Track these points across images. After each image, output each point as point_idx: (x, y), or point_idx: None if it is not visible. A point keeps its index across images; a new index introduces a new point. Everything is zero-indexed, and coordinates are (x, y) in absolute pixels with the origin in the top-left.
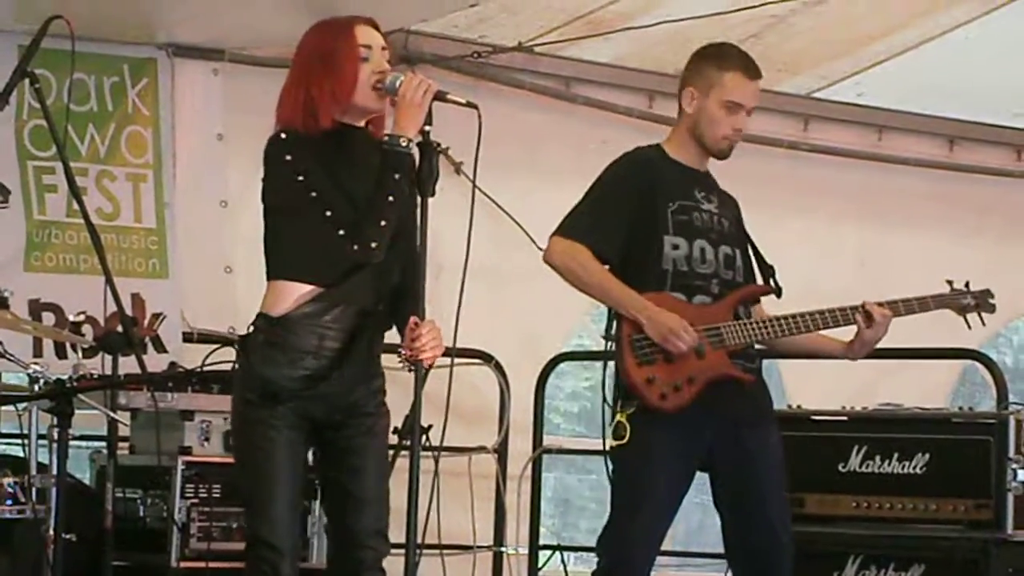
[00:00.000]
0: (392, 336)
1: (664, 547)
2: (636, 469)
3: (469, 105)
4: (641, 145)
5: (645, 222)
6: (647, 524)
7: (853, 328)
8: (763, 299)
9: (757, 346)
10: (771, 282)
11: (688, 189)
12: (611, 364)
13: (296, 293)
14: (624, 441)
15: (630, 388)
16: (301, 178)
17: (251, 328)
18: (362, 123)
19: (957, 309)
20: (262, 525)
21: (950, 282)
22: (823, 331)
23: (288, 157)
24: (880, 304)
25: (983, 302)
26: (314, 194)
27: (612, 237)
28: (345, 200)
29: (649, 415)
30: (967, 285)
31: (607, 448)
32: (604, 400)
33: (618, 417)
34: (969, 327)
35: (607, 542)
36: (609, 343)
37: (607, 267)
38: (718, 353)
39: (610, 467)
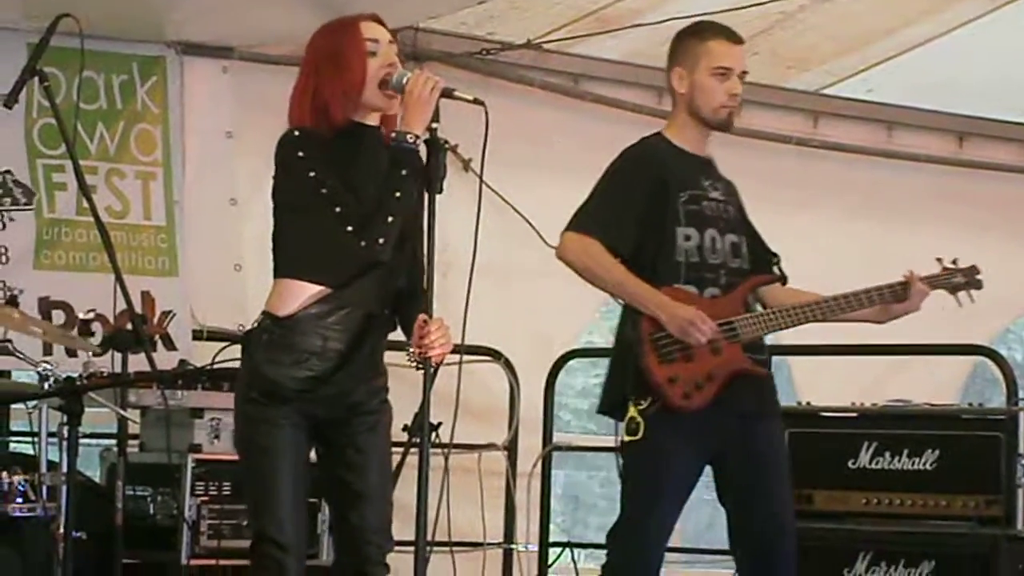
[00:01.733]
0: (399, 334)
1: (673, 543)
2: (650, 466)
3: (476, 102)
4: (645, 135)
5: (657, 214)
6: (661, 520)
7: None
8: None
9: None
10: (776, 270)
11: (696, 177)
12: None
13: (304, 293)
14: (638, 437)
15: (652, 387)
16: (313, 174)
17: (255, 326)
18: (375, 121)
19: (949, 288)
20: (268, 523)
21: (939, 260)
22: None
23: (300, 154)
24: (878, 288)
25: (972, 279)
26: (324, 191)
27: (625, 230)
28: (355, 198)
29: (665, 412)
30: (955, 262)
31: (619, 443)
32: (604, 394)
33: (631, 413)
34: (959, 304)
35: (620, 538)
36: (621, 339)
37: (620, 261)
38: (733, 348)
39: (621, 463)
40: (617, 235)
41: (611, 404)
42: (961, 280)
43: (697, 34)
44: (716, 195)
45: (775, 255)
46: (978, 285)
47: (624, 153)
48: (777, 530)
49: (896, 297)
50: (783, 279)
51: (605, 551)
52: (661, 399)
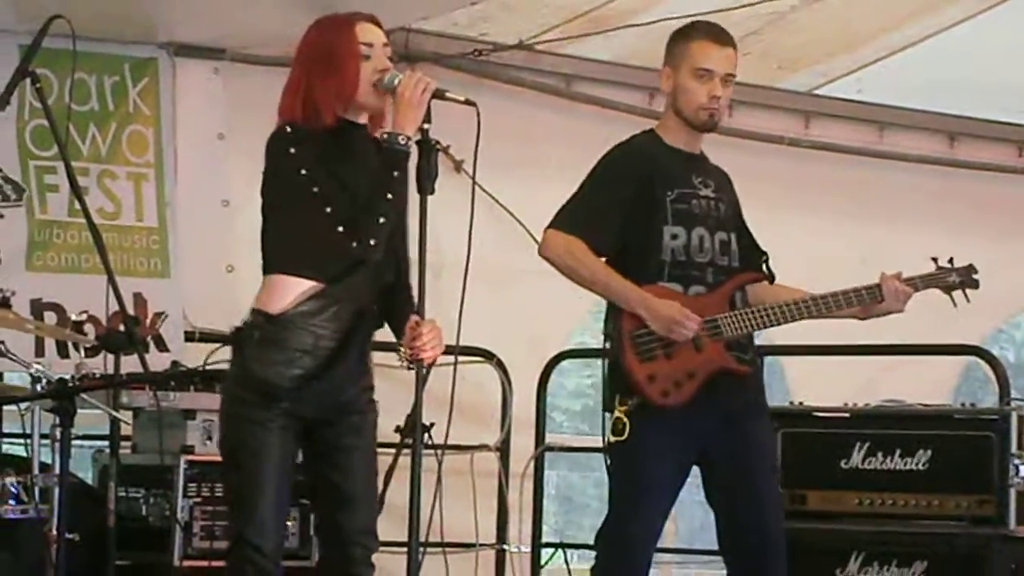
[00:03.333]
0: (389, 335)
1: (667, 544)
2: (637, 465)
3: (468, 103)
4: (636, 133)
5: (643, 212)
6: (648, 520)
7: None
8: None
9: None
10: (764, 268)
11: (686, 175)
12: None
13: (295, 290)
14: (623, 437)
15: (632, 385)
16: (304, 172)
17: (245, 323)
18: (364, 120)
19: (944, 288)
20: (248, 525)
21: (935, 259)
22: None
23: (292, 151)
24: (876, 286)
25: (967, 278)
26: (315, 190)
27: (608, 229)
28: (346, 197)
29: (649, 411)
30: (951, 261)
31: (605, 444)
32: (604, 396)
33: (616, 413)
34: (955, 305)
35: (608, 539)
36: (607, 338)
37: (603, 260)
38: (716, 345)
39: (608, 462)
40: (601, 234)
41: (606, 403)
42: (955, 279)
43: (685, 35)
44: (706, 192)
45: (764, 253)
46: (974, 284)
47: (611, 151)
48: (765, 530)
49: (874, 298)
50: (771, 277)
51: (594, 552)
52: (641, 398)
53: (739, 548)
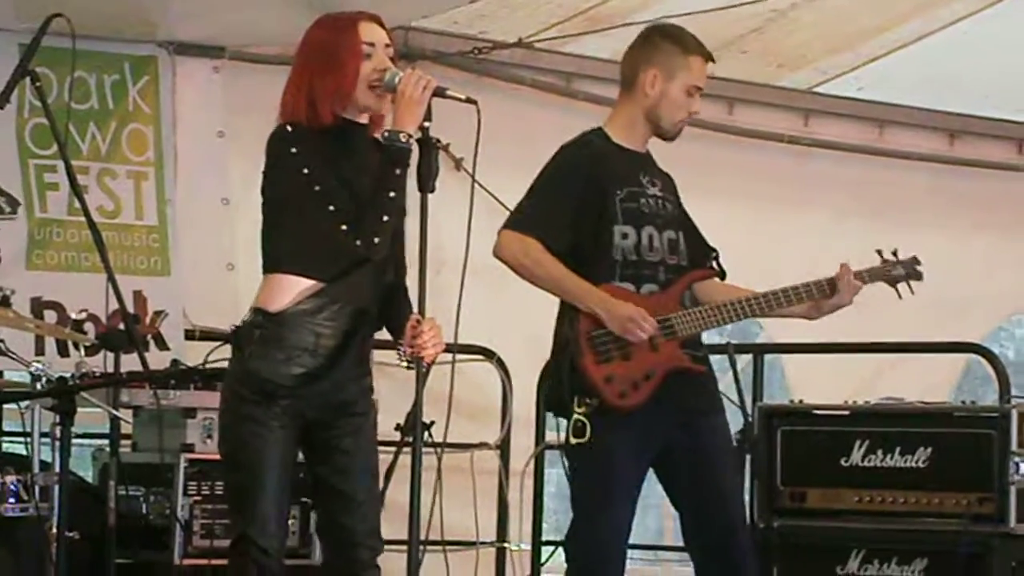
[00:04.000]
0: (387, 333)
1: (667, 542)
2: (600, 466)
3: (468, 101)
4: (585, 131)
5: (593, 212)
6: (613, 519)
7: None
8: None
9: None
10: (715, 264)
11: (634, 174)
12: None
13: (295, 288)
14: (584, 439)
15: (590, 387)
16: (305, 171)
17: (245, 321)
18: (364, 120)
19: (889, 280)
20: (250, 524)
21: (879, 251)
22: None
23: (293, 150)
24: (819, 283)
25: (911, 270)
26: (317, 188)
27: (561, 229)
28: (348, 196)
29: (608, 412)
30: (895, 253)
31: (565, 446)
32: (562, 397)
33: (576, 415)
34: (900, 297)
35: (579, 541)
36: (563, 339)
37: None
38: (671, 345)
39: (567, 465)
40: (554, 233)
41: (554, 404)
42: (901, 272)
43: (680, 44)
44: (654, 191)
45: (713, 250)
46: (918, 276)
47: (561, 150)
48: (730, 525)
49: (824, 293)
50: (721, 274)
51: (565, 556)
52: (599, 399)
53: (704, 544)
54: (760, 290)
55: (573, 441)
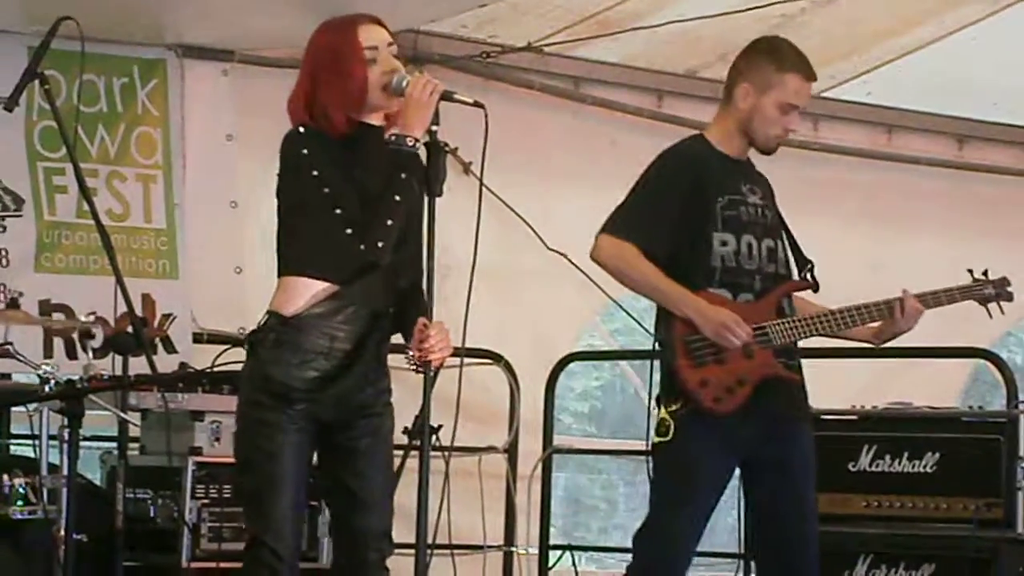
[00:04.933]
0: (397, 337)
1: None
2: (680, 468)
3: (476, 105)
4: (684, 138)
5: (694, 218)
6: (690, 522)
7: None
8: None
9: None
10: (809, 276)
11: (736, 182)
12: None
13: (310, 291)
14: (667, 439)
15: (684, 389)
16: (316, 173)
17: (261, 325)
18: (379, 120)
19: (980, 299)
20: (266, 529)
21: (971, 271)
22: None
23: (305, 152)
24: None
25: (1002, 291)
26: (326, 190)
27: (660, 234)
28: (356, 198)
29: (696, 415)
30: (985, 273)
31: (650, 445)
32: (651, 397)
33: (662, 414)
34: (991, 316)
35: (648, 539)
36: (660, 343)
37: (656, 264)
38: (765, 353)
39: (650, 464)
40: (653, 238)
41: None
42: (991, 291)
43: (778, 60)
44: (755, 200)
45: (810, 261)
46: (1009, 297)
47: (662, 155)
48: (803, 536)
49: (893, 312)
50: (815, 286)
51: (631, 553)
52: (692, 402)
53: (775, 552)
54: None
55: (656, 440)
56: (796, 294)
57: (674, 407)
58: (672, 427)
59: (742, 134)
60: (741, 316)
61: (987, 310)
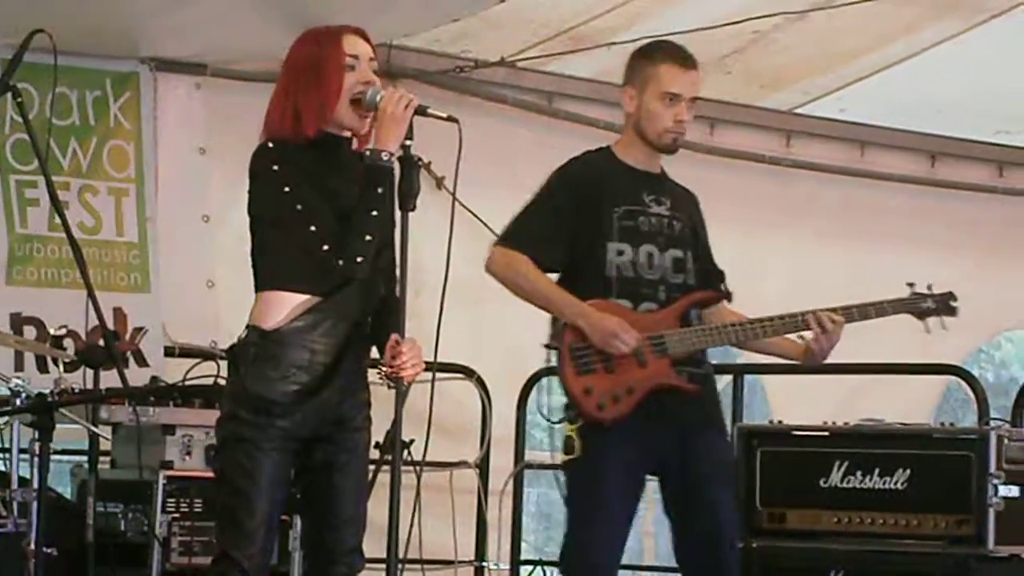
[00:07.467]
0: (373, 351)
1: (646, 562)
2: (588, 483)
3: (450, 119)
4: (590, 149)
5: (589, 229)
6: (607, 536)
7: None
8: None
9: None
10: (721, 287)
11: (636, 193)
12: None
13: (288, 304)
14: (575, 455)
15: (569, 397)
16: (288, 189)
17: (240, 340)
18: (347, 134)
19: (916, 313)
20: (235, 545)
21: (911, 284)
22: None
23: (275, 167)
24: (832, 310)
25: (944, 305)
26: (299, 207)
27: (554, 245)
28: (331, 213)
29: (597, 428)
30: (929, 287)
31: (560, 463)
32: (541, 414)
33: (567, 431)
34: (928, 331)
35: (570, 558)
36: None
37: (551, 275)
38: (661, 361)
39: (560, 483)
40: (546, 250)
41: (571, 419)
42: (931, 305)
43: (649, 56)
44: (659, 210)
45: (721, 272)
46: (951, 312)
47: (560, 167)
48: (719, 541)
49: (805, 326)
50: (727, 296)
51: (559, 572)
52: (575, 409)
53: (693, 559)
54: (741, 312)
55: (562, 458)
56: (728, 307)
57: (578, 422)
58: (577, 444)
59: (641, 140)
60: (640, 325)
61: (925, 325)
